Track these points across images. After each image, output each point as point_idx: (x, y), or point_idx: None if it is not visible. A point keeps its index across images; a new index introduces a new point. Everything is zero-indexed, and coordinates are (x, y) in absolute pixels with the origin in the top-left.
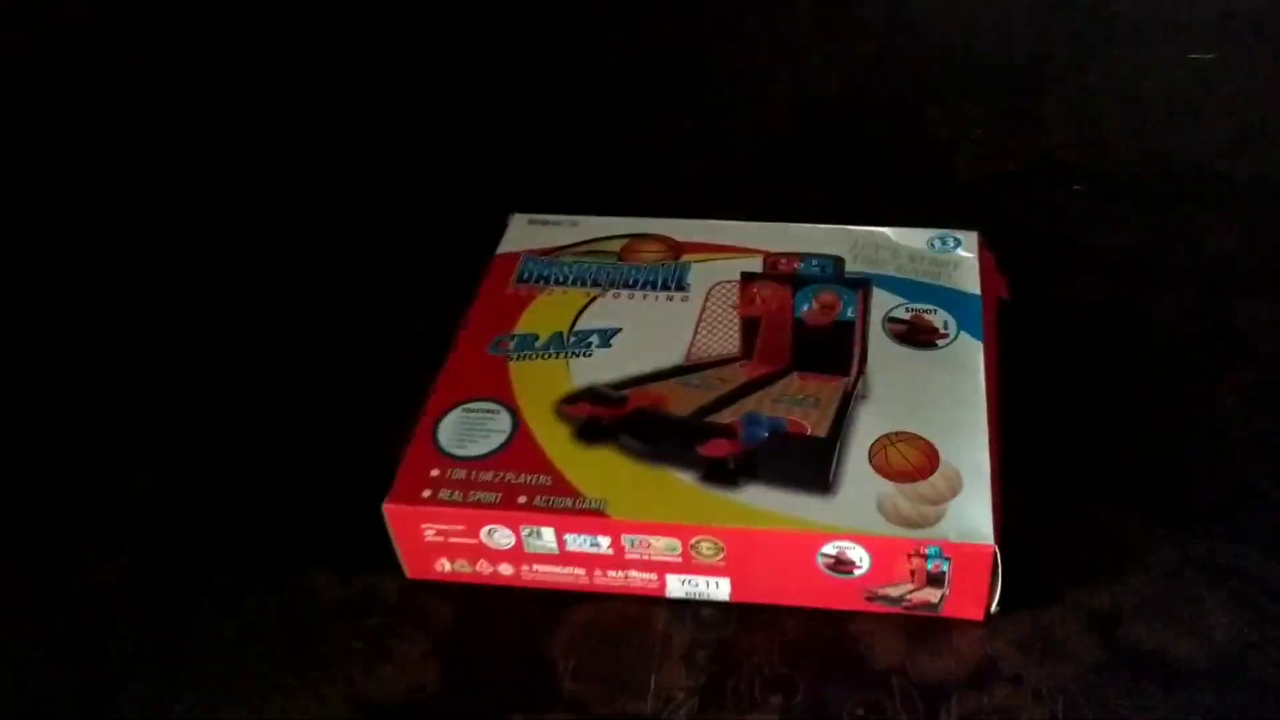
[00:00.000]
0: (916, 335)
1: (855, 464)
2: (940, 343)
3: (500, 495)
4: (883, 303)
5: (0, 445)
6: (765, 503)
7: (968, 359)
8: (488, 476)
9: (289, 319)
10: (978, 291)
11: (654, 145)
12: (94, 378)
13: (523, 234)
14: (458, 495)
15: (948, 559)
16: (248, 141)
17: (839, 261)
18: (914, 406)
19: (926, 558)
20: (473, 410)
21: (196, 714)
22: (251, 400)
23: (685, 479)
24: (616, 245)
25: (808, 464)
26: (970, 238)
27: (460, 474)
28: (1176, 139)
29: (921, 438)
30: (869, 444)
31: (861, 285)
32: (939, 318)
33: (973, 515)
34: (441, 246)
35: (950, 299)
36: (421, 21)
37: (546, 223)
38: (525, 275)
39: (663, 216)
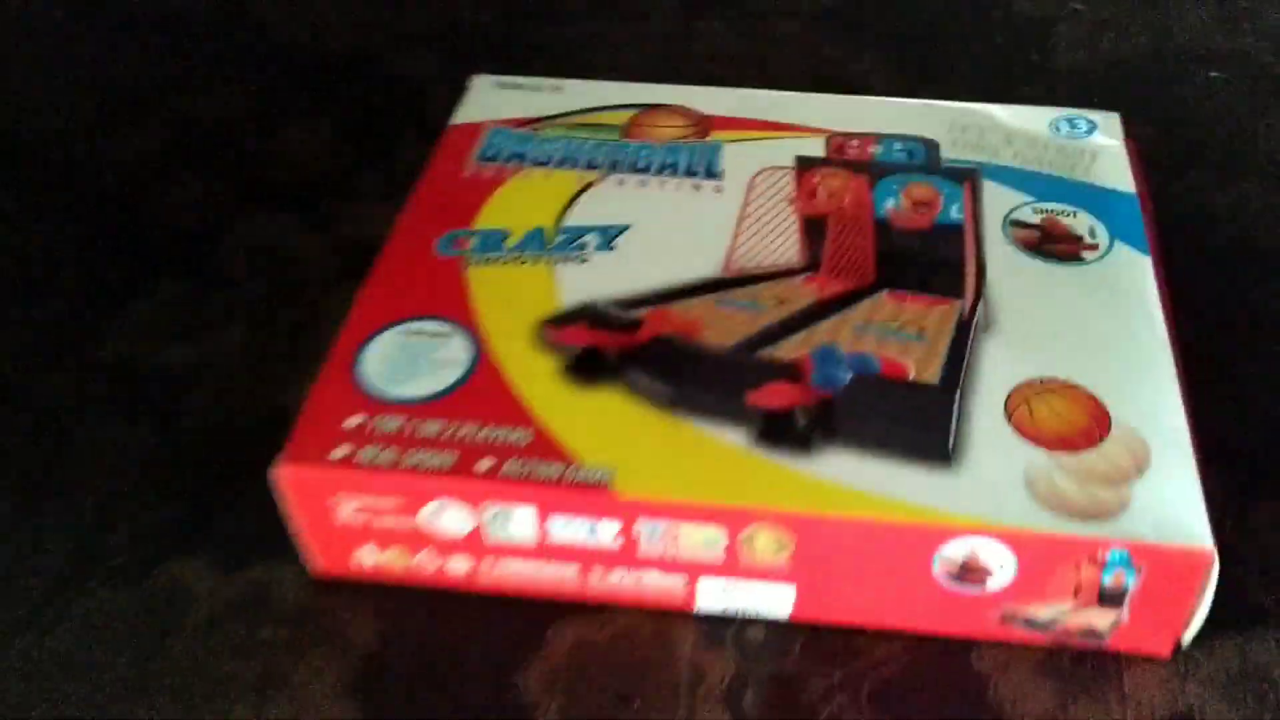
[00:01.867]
0: (1054, 245)
1: (987, 422)
2: (1089, 255)
3: (454, 456)
4: (1000, 200)
5: None
6: (853, 477)
7: (1133, 277)
8: (434, 428)
9: (165, 209)
10: (1132, 188)
11: (655, 5)
12: None
13: (488, 100)
14: (389, 454)
15: (1138, 568)
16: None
17: (932, 145)
18: (1063, 342)
19: (1105, 565)
20: (415, 332)
21: None
22: (107, 314)
23: (731, 439)
24: (619, 118)
25: (916, 420)
26: (1110, 120)
27: (394, 423)
28: None
29: (1081, 387)
30: (1004, 395)
31: (968, 176)
32: (1082, 221)
33: (1175, 500)
34: (361, 123)
35: (1095, 198)
36: None
37: (520, 86)
38: (492, 151)
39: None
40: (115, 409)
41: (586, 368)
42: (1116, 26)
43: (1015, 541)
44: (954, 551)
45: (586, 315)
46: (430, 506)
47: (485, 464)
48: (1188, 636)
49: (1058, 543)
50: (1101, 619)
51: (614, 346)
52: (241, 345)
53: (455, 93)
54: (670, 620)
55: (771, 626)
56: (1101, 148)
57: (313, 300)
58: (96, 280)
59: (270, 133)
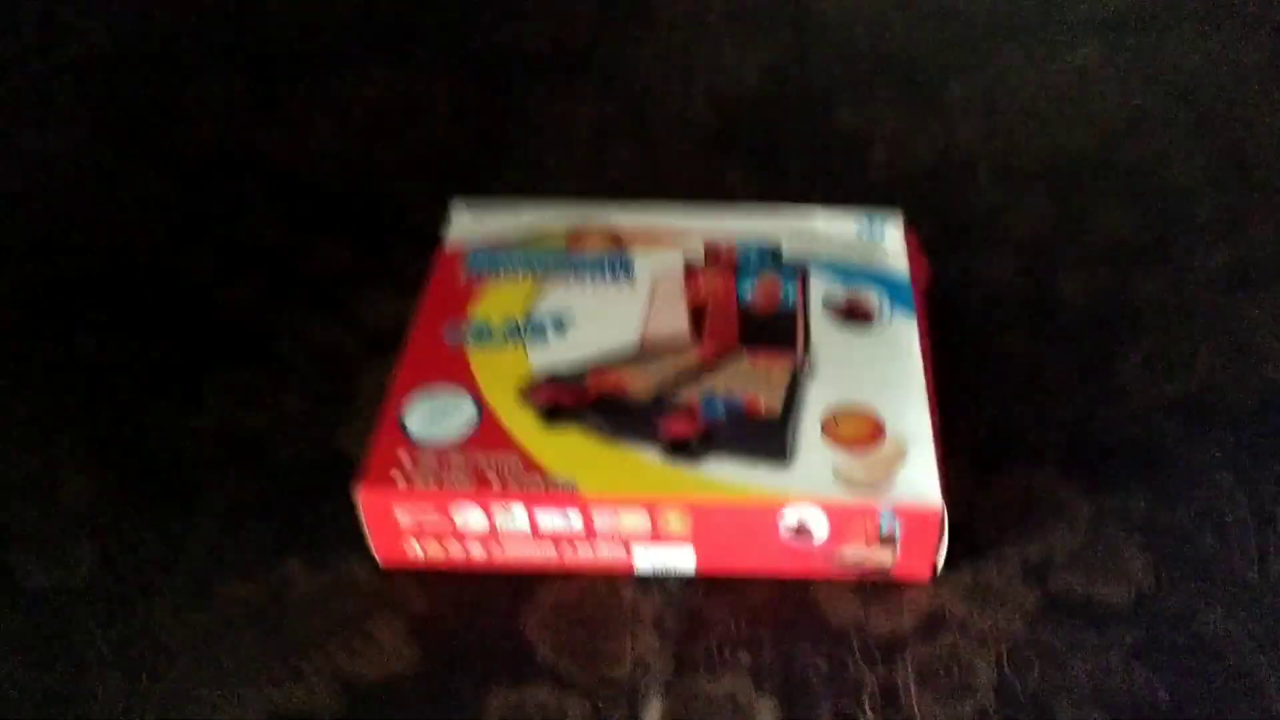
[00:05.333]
0: (854, 315)
1: (809, 436)
2: (876, 322)
3: (472, 477)
4: (820, 286)
5: None
6: (727, 475)
7: (903, 337)
8: (458, 460)
9: (227, 311)
10: (907, 274)
11: (576, 130)
12: (38, 365)
13: (466, 225)
14: (430, 478)
15: (898, 521)
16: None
17: (776, 248)
18: (858, 381)
19: (880, 520)
20: (437, 397)
21: (172, 703)
22: (196, 392)
23: (650, 456)
24: (562, 237)
25: (765, 438)
26: (895, 221)
27: (430, 458)
28: (1067, 129)
29: (867, 409)
30: (820, 417)
31: (800, 270)
32: (873, 298)
33: (920, 480)
34: (369, 235)
35: (882, 280)
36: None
37: (488, 212)
38: (474, 266)
39: (590, 196)
40: (222, 457)
41: (553, 415)
42: (912, 140)
43: (827, 508)
44: (790, 518)
45: (550, 380)
46: (458, 511)
47: (493, 479)
48: (939, 564)
49: (852, 508)
50: (884, 556)
51: (570, 401)
52: (300, 409)
53: (432, 208)
54: (617, 578)
55: (682, 579)
56: (889, 243)
57: (348, 374)
58: (180, 367)
59: (298, 251)
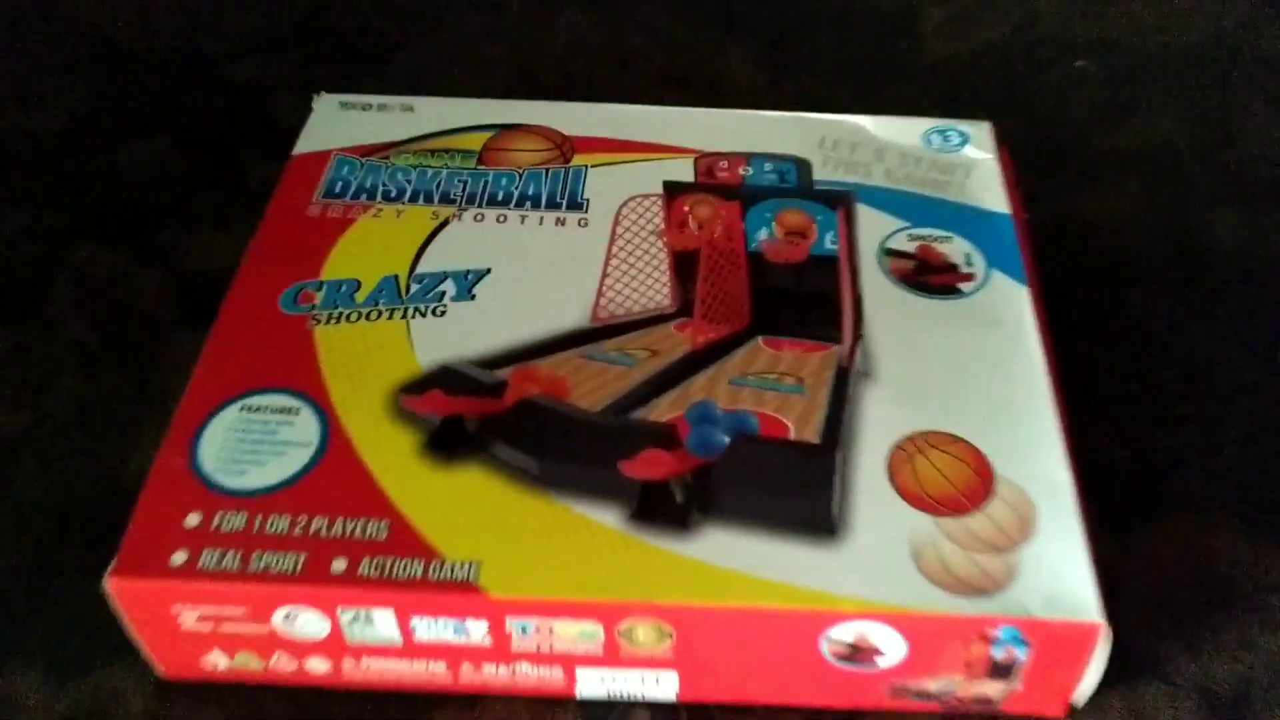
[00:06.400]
0: (930, 276)
1: (869, 483)
2: (965, 286)
3: (304, 558)
4: (875, 226)
5: None
6: (734, 558)
7: (1011, 311)
8: (282, 524)
9: None
10: (1006, 209)
11: None
12: None
13: (332, 123)
14: (231, 560)
15: (1027, 643)
16: None
17: (804, 165)
18: (944, 388)
19: (995, 641)
20: (257, 409)
21: None
22: None
23: (604, 519)
24: (475, 141)
25: (797, 488)
26: (981, 130)
27: (237, 519)
28: (1196, 3)
29: (963, 440)
30: (886, 451)
31: (841, 200)
32: (957, 248)
33: (1063, 567)
34: (205, 134)
35: (970, 220)
36: None
37: (368, 106)
38: (339, 185)
39: (534, 95)
40: None
41: (446, 441)
42: (980, 13)
43: (903, 623)
44: (841, 634)
45: (444, 379)
46: (281, 612)
47: (339, 564)
48: (1081, 698)
49: (947, 622)
50: (995, 689)
51: (475, 414)
52: (73, 404)
53: (301, 100)
54: (549, 709)
55: (657, 710)
56: (974, 162)
57: (152, 348)
58: None
59: (99, 150)
